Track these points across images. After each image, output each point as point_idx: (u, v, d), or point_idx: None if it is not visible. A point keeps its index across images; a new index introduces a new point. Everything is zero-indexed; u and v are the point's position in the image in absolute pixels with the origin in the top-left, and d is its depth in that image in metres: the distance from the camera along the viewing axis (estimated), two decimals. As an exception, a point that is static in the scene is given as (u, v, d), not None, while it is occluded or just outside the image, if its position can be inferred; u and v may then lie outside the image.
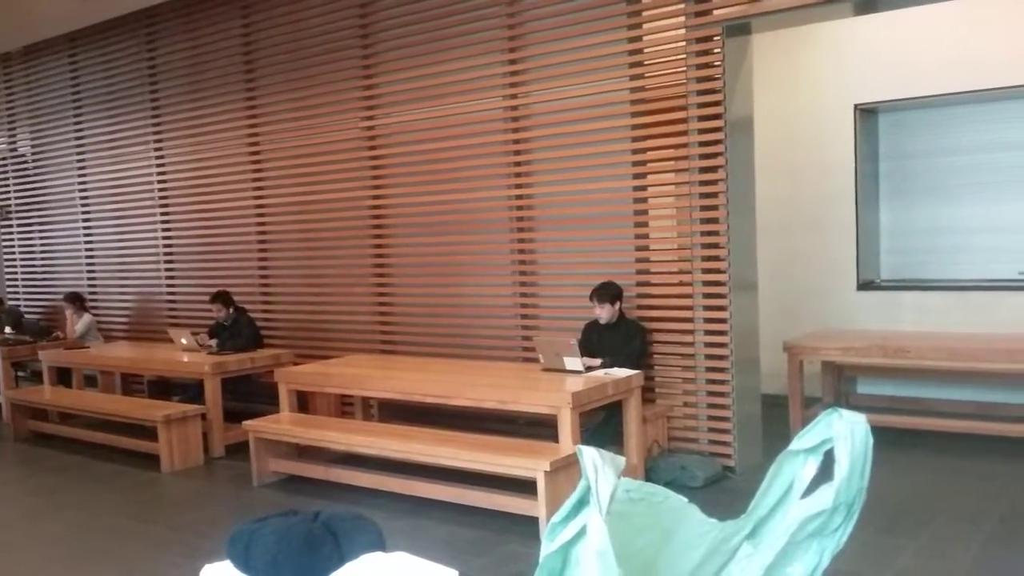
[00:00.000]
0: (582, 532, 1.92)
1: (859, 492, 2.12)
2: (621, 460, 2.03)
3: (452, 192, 6.23)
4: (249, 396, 6.86)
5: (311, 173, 6.98)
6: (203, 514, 5.10)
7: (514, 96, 5.84)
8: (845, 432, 2.10)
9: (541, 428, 5.13)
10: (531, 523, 4.36)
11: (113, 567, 4.29)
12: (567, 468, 4.35)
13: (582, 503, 1.95)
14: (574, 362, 4.99)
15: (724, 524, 2.44)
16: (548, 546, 1.98)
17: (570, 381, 4.80)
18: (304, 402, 5.99)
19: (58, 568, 4.36)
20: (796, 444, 2.22)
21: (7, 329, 8.67)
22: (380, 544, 2.00)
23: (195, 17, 7.55)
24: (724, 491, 4.91)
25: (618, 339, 5.24)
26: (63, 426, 7.06)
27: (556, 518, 2.00)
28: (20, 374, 8.61)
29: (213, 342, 6.86)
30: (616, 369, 4.96)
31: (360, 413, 6.27)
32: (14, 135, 9.46)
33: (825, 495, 2.12)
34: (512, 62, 5.82)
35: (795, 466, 2.24)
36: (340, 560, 1.89)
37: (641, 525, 2.41)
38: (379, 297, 6.70)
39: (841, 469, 2.09)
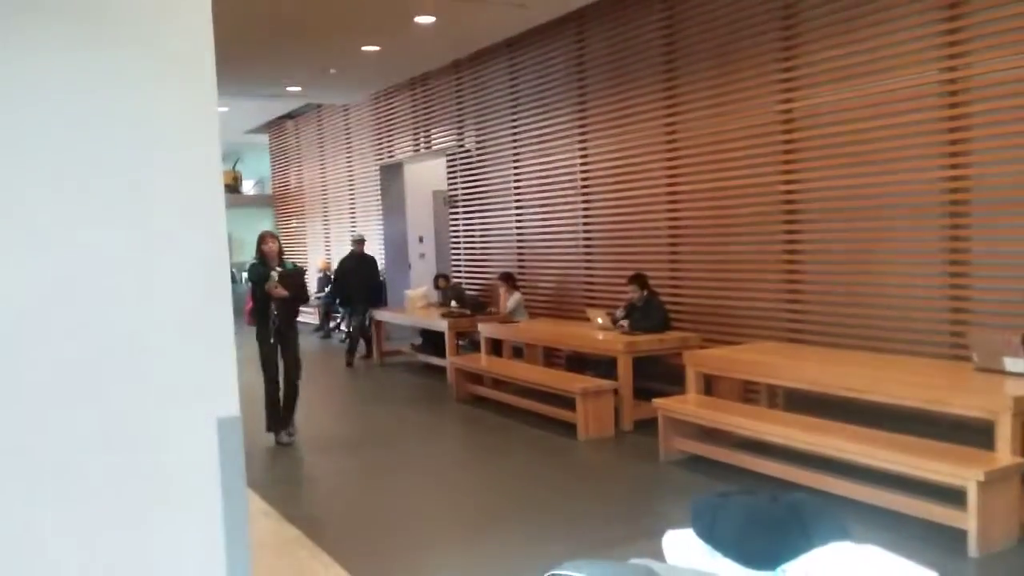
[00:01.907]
0: None
1: None
2: None
3: (872, 175, 5.84)
4: (653, 376, 7.13)
5: (723, 159, 7.01)
6: (614, 482, 5.47)
7: (952, 68, 5.29)
8: None
9: (962, 433, 4.61)
10: (951, 533, 4.01)
11: (528, 516, 4.77)
12: (1004, 480, 3.90)
13: None
14: (1018, 363, 4.42)
15: None
16: None
17: (1012, 384, 4.27)
18: (707, 385, 6.08)
19: (484, 513, 4.97)
20: None
21: (452, 303, 10.01)
22: (848, 533, 1.94)
23: (619, 13, 7.98)
24: None
25: (1076, 341, 4.53)
26: (495, 391, 7.97)
27: None
28: (460, 343, 9.87)
29: (625, 322, 7.24)
30: (1073, 375, 4.30)
31: (764, 400, 6.19)
32: (462, 133, 10.83)
33: None
34: (950, 31, 5.28)
35: None
36: (808, 545, 1.87)
37: None
38: (788, 284, 6.53)
39: None
